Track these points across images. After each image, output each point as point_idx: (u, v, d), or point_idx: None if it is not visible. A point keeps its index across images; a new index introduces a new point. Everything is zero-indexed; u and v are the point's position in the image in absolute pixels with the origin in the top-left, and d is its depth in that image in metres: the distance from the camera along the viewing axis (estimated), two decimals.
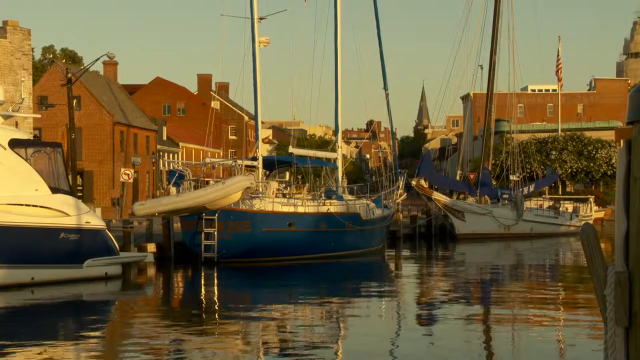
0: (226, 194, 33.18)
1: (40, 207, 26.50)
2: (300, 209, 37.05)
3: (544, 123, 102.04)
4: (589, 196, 66.10)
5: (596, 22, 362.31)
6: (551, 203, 61.65)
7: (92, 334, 19.31)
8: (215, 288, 29.95)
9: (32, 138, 32.73)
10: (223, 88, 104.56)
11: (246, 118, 79.95)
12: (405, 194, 49.60)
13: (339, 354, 16.80)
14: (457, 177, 57.47)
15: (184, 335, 18.77)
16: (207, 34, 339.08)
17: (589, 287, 25.65)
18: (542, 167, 70.36)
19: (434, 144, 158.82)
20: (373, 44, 67.82)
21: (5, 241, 25.28)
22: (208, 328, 20.21)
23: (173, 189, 35.26)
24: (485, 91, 56.97)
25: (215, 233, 34.11)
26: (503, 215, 52.68)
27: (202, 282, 31.30)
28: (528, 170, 67.53)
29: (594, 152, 78.26)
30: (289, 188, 43.04)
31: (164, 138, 78.17)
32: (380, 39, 46.45)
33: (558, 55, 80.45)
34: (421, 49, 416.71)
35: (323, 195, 40.37)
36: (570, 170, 78.28)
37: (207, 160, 47.26)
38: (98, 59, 49.63)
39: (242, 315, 22.10)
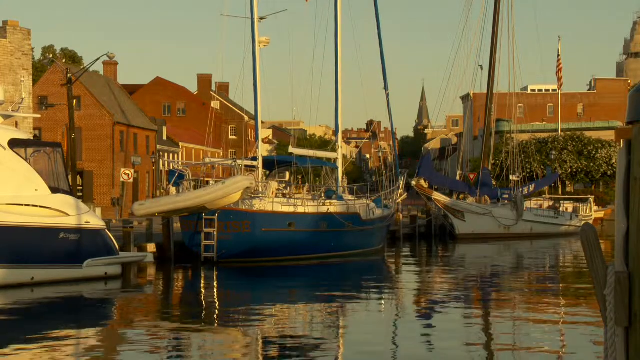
0: (226, 194, 33.19)
1: (40, 207, 26.50)
2: (300, 209, 37.03)
3: (544, 123, 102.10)
4: (589, 196, 66.07)
5: (596, 22, 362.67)
6: (551, 203, 61.62)
7: (91, 334, 19.31)
8: (215, 288, 29.94)
9: (32, 138, 32.73)
10: (223, 88, 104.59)
11: (246, 118, 79.98)
12: (406, 194, 49.57)
13: (338, 354, 16.79)
14: (457, 177, 57.43)
15: (183, 335, 18.77)
16: (207, 34, 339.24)
17: (589, 287, 25.64)
18: (542, 167, 70.34)
19: (434, 144, 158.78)
20: (373, 43, 67.86)
21: (5, 241, 25.28)
22: (208, 328, 20.21)
23: (173, 189, 35.25)
24: (485, 91, 56.95)
25: (215, 233, 34.11)
26: (503, 215, 52.66)
27: (202, 282, 31.30)
28: (528, 170, 67.52)
29: (594, 152, 78.25)
30: (289, 188, 43.00)
31: (164, 138, 78.19)
32: (380, 39, 46.44)
33: (558, 55, 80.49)
34: (421, 49, 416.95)
35: (323, 195, 40.33)
36: (570, 170, 78.26)
37: (207, 160, 47.25)
38: (98, 59, 49.73)
39: (241, 315, 22.09)
